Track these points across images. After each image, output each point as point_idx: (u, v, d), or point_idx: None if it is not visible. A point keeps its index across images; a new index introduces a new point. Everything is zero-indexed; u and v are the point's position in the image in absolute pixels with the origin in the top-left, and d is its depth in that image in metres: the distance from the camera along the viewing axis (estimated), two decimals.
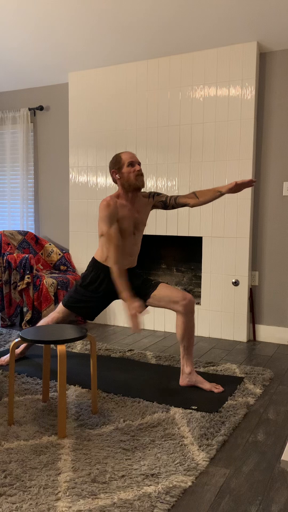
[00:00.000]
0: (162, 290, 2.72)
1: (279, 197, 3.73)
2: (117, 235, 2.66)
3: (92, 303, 2.84)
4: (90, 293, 2.82)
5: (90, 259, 3.21)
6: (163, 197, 2.83)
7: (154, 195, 2.85)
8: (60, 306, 2.89)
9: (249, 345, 3.71)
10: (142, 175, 2.73)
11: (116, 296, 2.86)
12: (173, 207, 2.81)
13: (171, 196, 2.81)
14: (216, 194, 2.70)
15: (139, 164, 2.75)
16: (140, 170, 2.72)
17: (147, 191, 2.87)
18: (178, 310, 2.66)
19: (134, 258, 2.86)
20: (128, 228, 2.73)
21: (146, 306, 2.80)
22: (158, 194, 2.86)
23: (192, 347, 2.71)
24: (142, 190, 3.99)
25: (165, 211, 4.01)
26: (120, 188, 2.75)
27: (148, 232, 4.11)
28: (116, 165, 2.74)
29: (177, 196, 2.80)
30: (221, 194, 2.68)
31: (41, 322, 2.94)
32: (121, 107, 4.14)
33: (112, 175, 2.76)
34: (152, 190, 2.96)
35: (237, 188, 2.63)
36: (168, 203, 2.81)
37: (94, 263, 2.84)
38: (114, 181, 2.77)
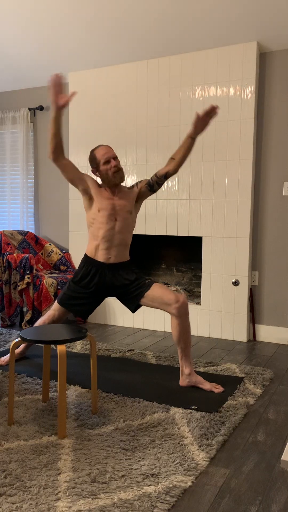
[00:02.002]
0: (156, 291, 2.71)
1: (279, 197, 3.73)
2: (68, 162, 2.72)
3: (85, 300, 2.84)
4: (82, 289, 2.83)
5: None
6: (146, 181, 2.85)
7: (137, 183, 2.88)
8: (55, 303, 2.90)
9: (249, 345, 3.71)
10: (119, 170, 2.75)
11: (109, 293, 2.86)
12: (158, 184, 2.81)
13: (152, 176, 2.83)
14: (188, 141, 2.69)
15: (115, 158, 2.75)
16: (116, 166, 2.73)
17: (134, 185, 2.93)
18: (172, 313, 2.65)
19: (123, 251, 2.83)
20: (105, 209, 2.75)
21: (140, 306, 2.81)
22: (141, 181, 2.88)
23: (189, 348, 2.71)
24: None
25: (165, 211, 4.01)
26: (103, 182, 2.82)
27: (148, 232, 4.11)
28: (93, 163, 2.79)
29: (156, 172, 2.82)
30: (192, 138, 2.68)
31: (39, 321, 2.95)
32: (121, 107, 4.14)
33: (92, 172, 2.82)
34: (140, 180, 2.97)
35: (202, 121, 2.63)
36: (151, 182, 2.82)
37: (84, 258, 2.87)
38: (95, 175, 2.83)
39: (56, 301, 2.90)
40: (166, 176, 2.78)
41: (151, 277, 4.48)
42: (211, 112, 2.63)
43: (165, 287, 2.75)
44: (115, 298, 4.27)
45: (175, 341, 2.70)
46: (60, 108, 2.53)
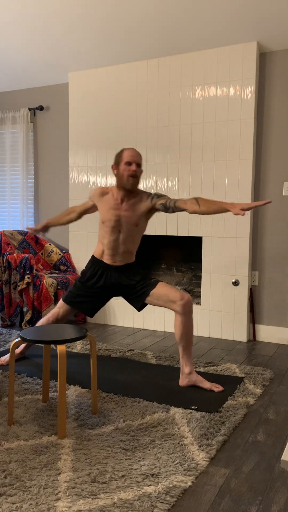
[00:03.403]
0: (161, 289, 2.73)
1: (279, 197, 3.73)
2: (81, 206, 2.99)
3: (91, 298, 2.87)
4: (88, 288, 2.86)
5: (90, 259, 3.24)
6: (163, 199, 2.71)
7: (154, 197, 2.75)
8: (61, 301, 2.93)
9: (249, 345, 3.71)
10: (135, 176, 2.70)
11: (115, 293, 2.88)
12: (173, 211, 2.70)
13: (172, 199, 2.69)
14: (222, 210, 2.53)
15: (138, 165, 2.72)
16: (134, 171, 2.69)
17: (151, 192, 2.85)
18: (176, 310, 2.67)
19: (128, 256, 2.84)
20: (109, 221, 2.76)
21: (146, 304, 2.81)
22: (159, 196, 2.74)
23: (190, 347, 2.72)
24: (146, 190, 3.99)
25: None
26: (116, 182, 2.80)
27: (148, 232, 4.11)
28: (117, 159, 2.78)
29: (177, 200, 2.67)
30: (227, 211, 2.55)
31: (42, 319, 2.97)
32: (121, 107, 4.14)
33: (111, 168, 2.81)
34: (156, 192, 2.92)
35: (248, 207, 2.46)
36: (168, 205, 2.70)
37: (92, 259, 2.90)
38: (113, 172, 2.83)
39: (61, 299, 2.92)
40: (182, 210, 2.68)
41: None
42: (261, 205, 2.47)
43: (170, 285, 2.77)
44: (115, 298, 4.27)
45: (177, 339, 2.70)
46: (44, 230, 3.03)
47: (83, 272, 2.91)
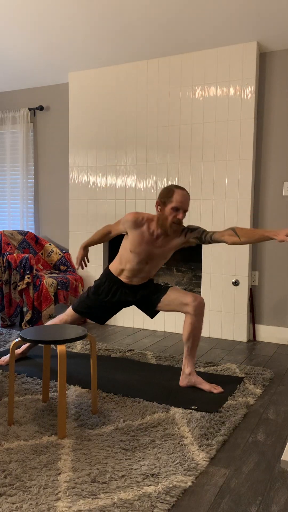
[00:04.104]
0: (172, 294, 2.73)
1: (279, 197, 3.73)
2: (115, 229, 2.77)
3: (103, 309, 2.87)
4: (101, 302, 2.84)
5: (89, 259, 3.21)
6: (197, 233, 2.67)
7: (187, 231, 2.68)
8: (70, 310, 2.91)
9: (249, 345, 3.71)
10: (179, 223, 2.60)
11: (127, 304, 2.88)
12: (209, 243, 2.66)
13: (207, 232, 2.65)
14: (263, 238, 2.50)
15: (185, 212, 2.60)
16: (180, 219, 2.59)
17: (184, 226, 2.72)
18: (188, 311, 2.66)
19: (147, 277, 2.82)
20: (139, 254, 2.68)
21: (158, 312, 2.81)
22: (192, 230, 2.68)
23: (196, 348, 2.72)
24: (147, 191, 3.99)
25: None
26: (156, 216, 2.66)
27: None
28: (164, 198, 2.61)
29: (214, 232, 2.63)
30: (270, 239, 2.51)
31: (48, 323, 2.95)
32: (121, 107, 4.14)
33: (156, 203, 2.66)
34: (189, 225, 2.75)
35: None
36: (203, 239, 2.65)
37: (107, 274, 2.84)
38: (156, 207, 2.68)
39: (70, 308, 2.91)
40: (221, 242, 2.63)
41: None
42: None
43: (181, 289, 2.76)
44: None
45: (184, 339, 2.70)
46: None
47: (96, 285, 2.85)
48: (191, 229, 2.69)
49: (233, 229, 2.58)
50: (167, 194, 2.60)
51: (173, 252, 2.79)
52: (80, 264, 2.91)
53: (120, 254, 2.78)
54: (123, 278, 2.80)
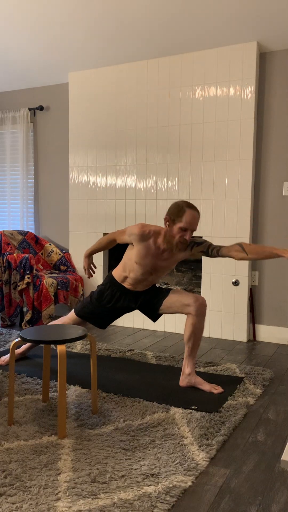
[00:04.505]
0: (173, 296, 2.73)
1: (279, 197, 3.73)
2: (120, 237, 2.73)
3: (106, 314, 2.88)
4: (104, 308, 2.85)
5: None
6: (203, 247, 2.66)
7: (193, 246, 2.68)
8: (72, 314, 2.91)
9: (249, 345, 3.71)
10: (186, 243, 2.61)
11: (130, 310, 2.88)
12: (216, 257, 2.64)
13: (213, 247, 2.64)
14: (272, 255, 2.50)
15: (193, 231, 2.60)
16: (186, 239, 2.58)
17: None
18: (189, 312, 2.66)
19: (151, 284, 2.83)
20: (144, 266, 2.68)
21: (160, 315, 2.82)
22: (198, 244, 2.67)
23: (197, 349, 2.72)
24: (147, 191, 3.99)
25: (165, 211, 4.01)
26: (164, 231, 2.64)
27: None
28: (174, 216, 2.58)
29: (220, 247, 2.62)
30: (278, 256, 2.50)
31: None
32: (121, 107, 4.14)
33: (164, 218, 2.63)
34: (194, 238, 2.73)
35: None
36: (210, 254, 2.65)
37: (111, 280, 2.85)
38: (164, 223, 2.66)
39: (73, 312, 2.91)
40: (227, 257, 2.60)
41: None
42: None
43: (183, 291, 2.77)
44: None
45: (185, 340, 2.70)
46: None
47: (100, 291, 2.85)
48: (197, 243, 2.68)
49: (240, 245, 2.57)
50: (177, 212, 2.58)
51: (176, 263, 2.80)
52: (89, 273, 2.90)
53: (124, 262, 2.78)
54: (126, 284, 2.81)
